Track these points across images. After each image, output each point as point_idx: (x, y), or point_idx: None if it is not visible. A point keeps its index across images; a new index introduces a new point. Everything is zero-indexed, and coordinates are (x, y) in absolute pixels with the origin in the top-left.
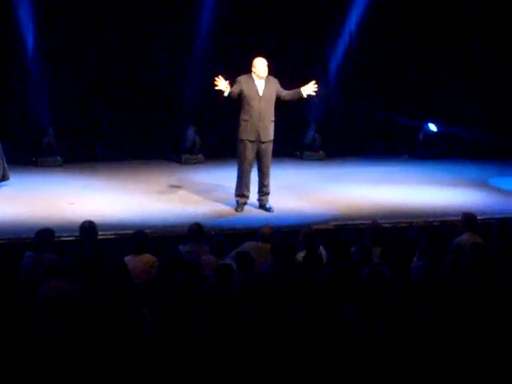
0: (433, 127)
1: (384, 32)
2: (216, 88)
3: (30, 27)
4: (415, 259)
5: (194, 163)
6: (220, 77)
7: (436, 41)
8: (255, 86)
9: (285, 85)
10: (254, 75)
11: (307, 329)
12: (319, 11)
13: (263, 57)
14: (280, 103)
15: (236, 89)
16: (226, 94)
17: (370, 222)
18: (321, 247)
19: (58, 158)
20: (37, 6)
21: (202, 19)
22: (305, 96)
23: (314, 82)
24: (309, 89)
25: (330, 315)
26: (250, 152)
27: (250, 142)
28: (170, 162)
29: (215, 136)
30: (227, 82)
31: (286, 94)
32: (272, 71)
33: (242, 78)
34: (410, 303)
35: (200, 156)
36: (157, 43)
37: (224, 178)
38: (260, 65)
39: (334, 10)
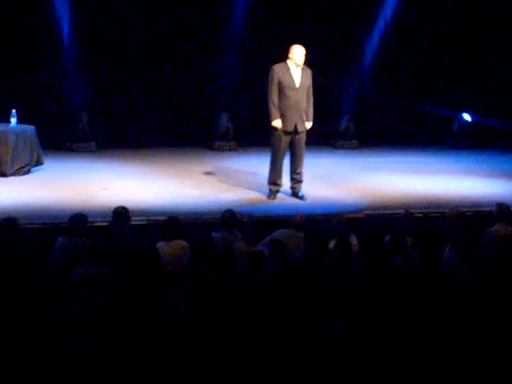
0: (467, 117)
1: (419, 20)
2: (274, 126)
3: (66, 13)
4: (447, 249)
5: (227, 150)
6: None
7: (472, 30)
8: (291, 75)
9: (319, 75)
10: (290, 63)
11: (339, 317)
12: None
13: (298, 44)
14: None
15: (276, 83)
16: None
17: (402, 211)
18: (353, 236)
19: (92, 143)
20: None
21: (236, 5)
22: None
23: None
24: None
25: (362, 303)
26: (284, 141)
27: (285, 132)
28: (203, 149)
29: (248, 123)
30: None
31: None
32: (307, 60)
33: (277, 68)
34: (441, 294)
35: (233, 143)
36: (190, 29)
37: (257, 165)
38: (298, 52)
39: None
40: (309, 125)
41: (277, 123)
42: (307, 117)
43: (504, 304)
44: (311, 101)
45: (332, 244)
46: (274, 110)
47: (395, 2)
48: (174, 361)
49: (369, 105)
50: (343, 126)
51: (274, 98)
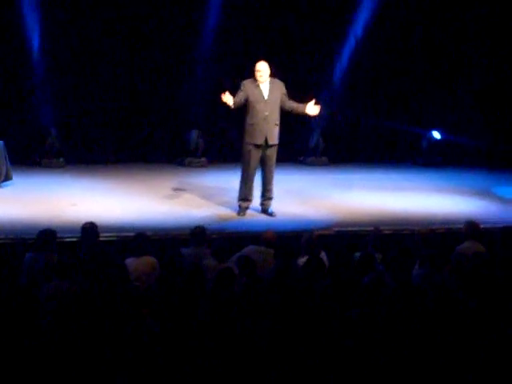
0: (436, 135)
1: (389, 39)
2: (222, 102)
3: (35, 27)
4: (416, 266)
5: (197, 166)
6: (226, 93)
7: (441, 47)
8: (260, 90)
9: (289, 91)
10: (257, 78)
11: (308, 335)
12: (324, 16)
13: (267, 61)
14: (281, 110)
15: (242, 95)
16: (232, 106)
17: (371, 228)
18: (322, 252)
19: (61, 159)
20: (42, 6)
21: (205, 23)
22: (307, 113)
23: (314, 101)
24: (313, 109)
25: (331, 321)
26: (255, 156)
27: (256, 146)
28: (173, 165)
29: (218, 140)
30: (231, 96)
31: (290, 105)
32: (277, 77)
33: (246, 83)
34: (411, 310)
35: (203, 159)
36: (161, 46)
37: (227, 181)
38: (262, 68)
39: (340, 16)
40: (312, 105)
41: (227, 99)
42: (302, 104)
43: (474, 321)
44: (293, 102)
45: (301, 260)
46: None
47: (365, 19)
48: (142, 377)
49: (339, 122)
50: (313, 142)
51: (236, 97)
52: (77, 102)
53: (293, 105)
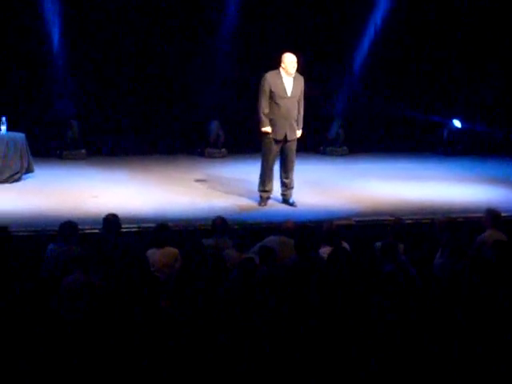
0: (457, 124)
1: (410, 27)
2: (263, 131)
3: (56, 20)
4: (438, 256)
5: (218, 157)
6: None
7: (462, 36)
8: (283, 84)
9: (311, 82)
10: (282, 71)
11: (330, 324)
12: (345, 5)
13: (290, 52)
14: None
15: (267, 91)
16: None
17: (392, 218)
18: (344, 243)
19: (82, 151)
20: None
21: (226, 13)
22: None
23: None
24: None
25: (353, 310)
26: (274, 148)
27: (276, 140)
28: (193, 156)
29: (238, 130)
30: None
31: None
32: (299, 66)
33: (269, 76)
34: (432, 300)
35: (223, 150)
36: (181, 37)
37: (247, 172)
38: (289, 60)
39: (360, 5)
40: (299, 133)
41: (266, 129)
42: (298, 125)
43: (495, 309)
44: (301, 109)
45: (323, 251)
46: (263, 118)
47: (385, 9)
48: (165, 368)
49: (359, 111)
50: (333, 132)
51: (264, 106)
52: (97, 94)
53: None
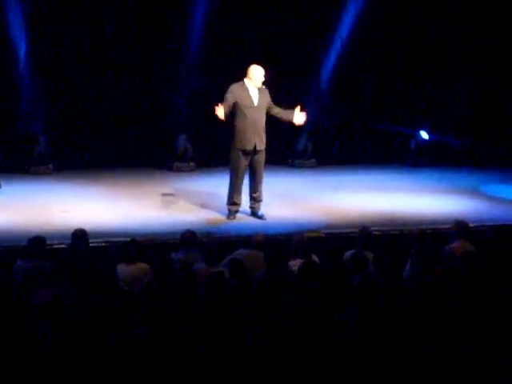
0: (424, 135)
1: (375, 39)
2: (216, 114)
3: (22, 35)
4: (407, 267)
5: (186, 171)
6: (219, 105)
7: (428, 47)
8: (250, 96)
9: (276, 95)
10: (248, 83)
11: (301, 336)
12: (311, 19)
13: (256, 65)
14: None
15: (230, 101)
16: (223, 119)
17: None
18: (313, 255)
19: (50, 166)
20: (28, 15)
21: (192, 25)
22: (294, 122)
23: (299, 108)
24: (299, 117)
25: (322, 323)
26: (243, 161)
27: (244, 152)
28: (161, 170)
29: (207, 144)
30: (221, 106)
31: (278, 111)
32: (265, 79)
33: (234, 87)
34: (402, 311)
35: (192, 164)
36: (147, 50)
37: (216, 185)
38: (257, 72)
39: (326, 18)
40: (299, 113)
41: (219, 112)
42: (289, 111)
43: (465, 320)
44: (279, 108)
45: (293, 263)
46: (221, 106)
47: (351, 21)
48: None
49: (327, 124)
50: (301, 144)
51: (224, 101)
52: (64, 108)
53: (280, 111)
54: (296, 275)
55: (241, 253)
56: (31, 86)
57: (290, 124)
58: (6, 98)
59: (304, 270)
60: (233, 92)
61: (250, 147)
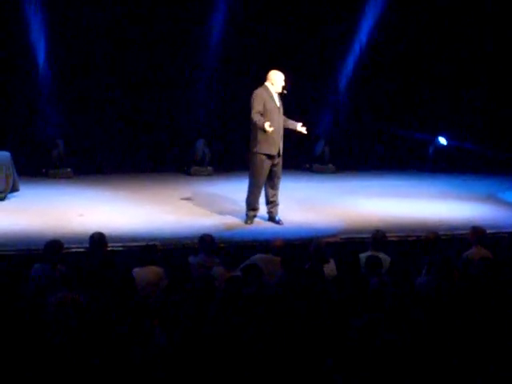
0: (443, 141)
1: (394, 45)
2: (266, 130)
3: (41, 40)
4: (423, 272)
5: (204, 175)
6: (260, 120)
7: (447, 53)
8: (274, 100)
9: (296, 100)
10: (270, 87)
11: (316, 341)
12: (329, 24)
13: (275, 71)
14: None
15: (261, 108)
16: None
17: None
18: (331, 260)
19: (68, 169)
20: (48, 20)
21: (211, 31)
22: (297, 129)
23: (301, 124)
24: (301, 129)
25: (339, 327)
26: (267, 166)
27: (269, 156)
28: (179, 175)
29: (224, 149)
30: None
31: (284, 118)
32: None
33: (259, 93)
34: (416, 317)
35: (209, 168)
36: (166, 57)
37: (233, 190)
38: (280, 78)
39: (345, 23)
40: (299, 124)
41: (267, 126)
42: (294, 122)
43: (481, 327)
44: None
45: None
46: (260, 118)
47: (370, 27)
48: None
49: (344, 129)
50: (319, 150)
51: (259, 109)
52: (83, 112)
53: (285, 119)
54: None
55: (258, 258)
56: (50, 91)
57: (293, 131)
58: (25, 102)
59: (308, 274)
60: (259, 98)
61: (275, 151)
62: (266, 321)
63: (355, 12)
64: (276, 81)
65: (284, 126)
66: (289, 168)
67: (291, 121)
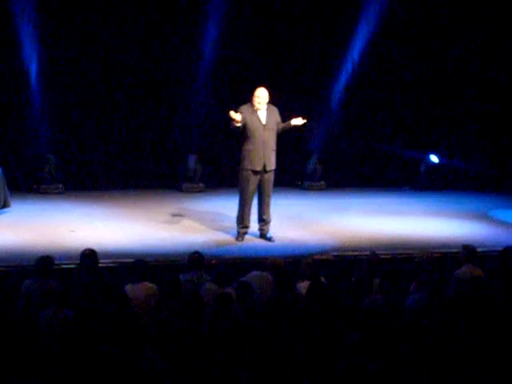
0: (434, 159)
1: (386, 63)
2: (231, 117)
3: (33, 56)
4: (412, 290)
5: (195, 192)
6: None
7: (439, 72)
8: (258, 116)
9: (287, 116)
10: (255, 104)
11: (309, 358)
12: (321, 41)
13: (265, 87)
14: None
15: (241, 120)
16: (239, 125)
17: (369, 252)
18: (321, 278)
19: (60, 185)
20: (40, 36)
21: (202, 49)
22: (292, 124)
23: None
24: (297, 120)
25: (330, 345)
26: (252, 182)
27: (254, 172)
28: (170, 191)
29: (216, 165)
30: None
31: (280, 127)
32: (275, 102)
33: (243, 109)
34: (406, 336)
35: (201, 185)
36: (159, 72)
37: (224, 206)
38: (261, 95)
39: (337, 41)
40: (293, 120)
41: (232, 113)
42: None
43: (471, 344)
44: (283, 124)
45: (301, 285)
46: (232, 123)
47: (362, 45)
48: None
49: (336, 146)
50: (311, 167)
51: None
52: (74, 128)
53: (283, 125)
54: (304, 297)
55: (254, 275)
56: (42, 107)
57: (292, 130)
58: (16, 117)
59: (312, 291)
60: (242, 113)
61: (259, 167)
62: (256, 337)
63: (348, 28)
64: (254, 98)
65: (283, 130)
66: (280, 185)
67: (286, 122)
